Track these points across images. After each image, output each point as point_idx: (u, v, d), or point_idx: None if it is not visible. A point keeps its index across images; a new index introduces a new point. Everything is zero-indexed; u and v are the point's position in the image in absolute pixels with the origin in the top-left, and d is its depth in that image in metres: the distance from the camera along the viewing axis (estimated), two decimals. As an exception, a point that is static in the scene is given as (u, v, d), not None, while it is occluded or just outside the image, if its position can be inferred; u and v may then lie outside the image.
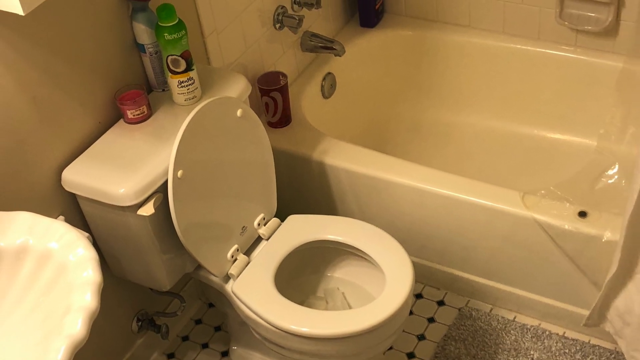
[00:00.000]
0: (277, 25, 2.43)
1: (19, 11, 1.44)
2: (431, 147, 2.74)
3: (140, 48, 1.95)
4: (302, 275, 2.12)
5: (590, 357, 2.16)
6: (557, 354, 2.18)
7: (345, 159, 2.32)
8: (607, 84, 2.49)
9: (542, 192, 2.20)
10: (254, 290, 1.95)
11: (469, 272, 2.34)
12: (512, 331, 2.26)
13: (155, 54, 1.95)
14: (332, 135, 2.40)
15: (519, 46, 2.64)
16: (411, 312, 2.34)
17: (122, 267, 1.98)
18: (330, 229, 2.08)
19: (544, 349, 2.20)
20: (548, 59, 2.61)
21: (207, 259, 1.94)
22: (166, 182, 1.81)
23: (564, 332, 2.25)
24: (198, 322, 2.44)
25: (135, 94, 1.92)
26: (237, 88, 2.02)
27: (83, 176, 1.82)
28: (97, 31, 1.85)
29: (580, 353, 2.18)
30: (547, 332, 2.24)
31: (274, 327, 1.88)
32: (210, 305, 2.47)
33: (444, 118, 2.82)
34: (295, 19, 2.43)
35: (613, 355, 2.16)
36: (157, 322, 2.25)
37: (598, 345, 2.19)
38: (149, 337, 2.29)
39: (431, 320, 2.35)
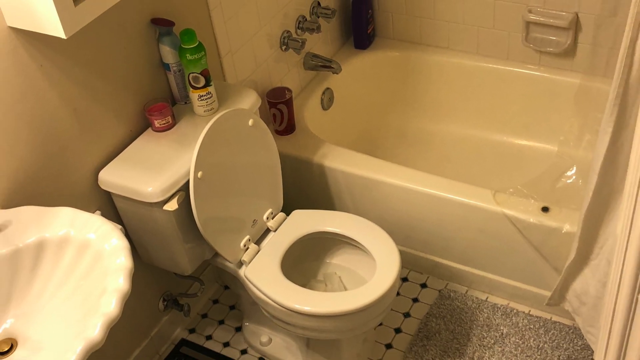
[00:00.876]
0: (283, 47, 2.43)
1: (62, 35, 1.44)
2: (415, 152, 2.73)
3: (166, 67, 1.95)
4: (304, 261, 2.12)
5: (552, 332, 2.16)
6: (523, 330, 2.18)
7: (341, 162, 2.32)
8: (566, 98, 2.48)
9: (511, 190, 2.20)
10: (263, 275, 1.95)
11: (448, 259, 2.34)
12: (484, 310, 2.26)
13: (179, 71, 1.95)
14: (331, 142, 2.40)
15: (490, 65, 2.64)
16: (398, 293, 2.34)
17: (150, 255, 1.98)
18: (329, 222, 2.08)
19: (512, 325, 2.20)
20: (516, 76, 2.61)
21: (223, 248, 1.94)
22: (188, 181, 1.81)
23: (529, 311, 2.24)
24: (215, 302, 2.44)
25: (162, 106, 1.92)
26: (249, 101, 2.02)
27: (117, 177, 1.82)
28: (129, 52, 1.85)
29: (543, 328, 2.18)
30: (514, 311, 2.24)
31: (280, 306, 1.88)
32: (226, 287, 2.47)
33: (426, 127, 2.81)
34: (299, 42, 2.43)
35: (571, 330, 2.16)
36: (180, 302, 2.25)
37: (558, 322, 2.19)
38: (173, 315, 2.29)
39: (415, 300, 2.34)
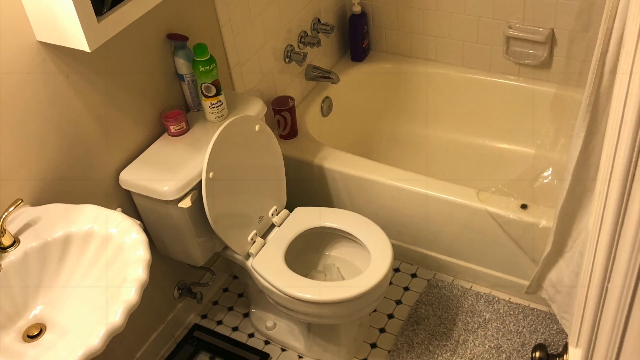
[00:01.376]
0: (287, 60, 2.44)
1: (86, 49, 1.44)
2: (406, 154, 2.73)
3: (180, 77, 1.95)
4: (306, 254, 2.12)
5: (530, 317, 2.16)
6: (504, 315, 2.19)
7: (339, 163, 2.32)
8: (543, 106, 2.48)
9: (493, 189, 2.20)
10: (268, 266, 1.95)
11: (435, 252, 2.34)
12: (469, 297, 2.26)
13: (192, 82, 1.95)
14: (330, 146, 2.39)
15: (474, 76, 2.64)
16: (391, 282, 2.34)
17: (166, 248, 1.98)
18: (328, 218, 2.08)
19: (493, 311, 2.20)
20: (497, 86, 2.61)
21: (232, 241, 1.94)
22: (200, 181, 1.81)
23: (510, 298, 2.24)
24: (225, 290, 2.44)
25: (177, 113, 1.92)
26: (256, 108, 2.02)
27: (136, 177, 1.82)
28: (147, 64, 1.85)
29: (522, 314, 2.18)
30: (496, 298, 2.24)
31: (284, 294, 1.88)
32: (235, 277, 2.47)
33: (416, 131, 2.81)
34: (301, 55, 2.43)
35: (547, 316, 2.16)
36: (193, 290, 2.25)
37: (536, 309, 2.19)
38: (187, 302, 2.29)
39: (406, 288, 2.34)
